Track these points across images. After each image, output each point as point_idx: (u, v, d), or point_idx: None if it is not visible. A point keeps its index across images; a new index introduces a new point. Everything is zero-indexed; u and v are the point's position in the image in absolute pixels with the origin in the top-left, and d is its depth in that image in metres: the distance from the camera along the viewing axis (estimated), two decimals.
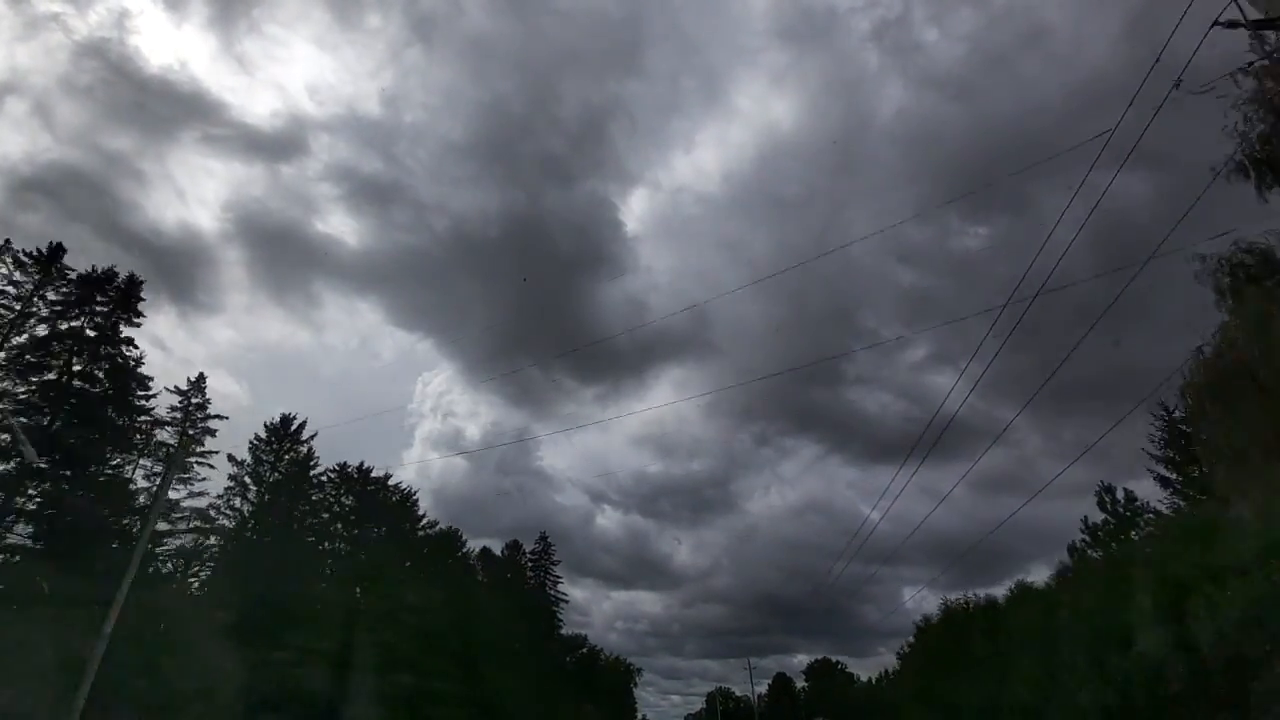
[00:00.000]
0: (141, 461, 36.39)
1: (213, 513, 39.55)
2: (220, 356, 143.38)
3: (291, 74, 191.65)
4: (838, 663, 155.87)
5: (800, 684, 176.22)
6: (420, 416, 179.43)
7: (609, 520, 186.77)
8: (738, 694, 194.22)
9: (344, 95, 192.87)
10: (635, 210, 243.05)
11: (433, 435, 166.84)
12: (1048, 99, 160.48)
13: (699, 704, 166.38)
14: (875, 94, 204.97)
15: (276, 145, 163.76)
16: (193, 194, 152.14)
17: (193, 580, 39.01)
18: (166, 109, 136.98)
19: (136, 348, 33.91)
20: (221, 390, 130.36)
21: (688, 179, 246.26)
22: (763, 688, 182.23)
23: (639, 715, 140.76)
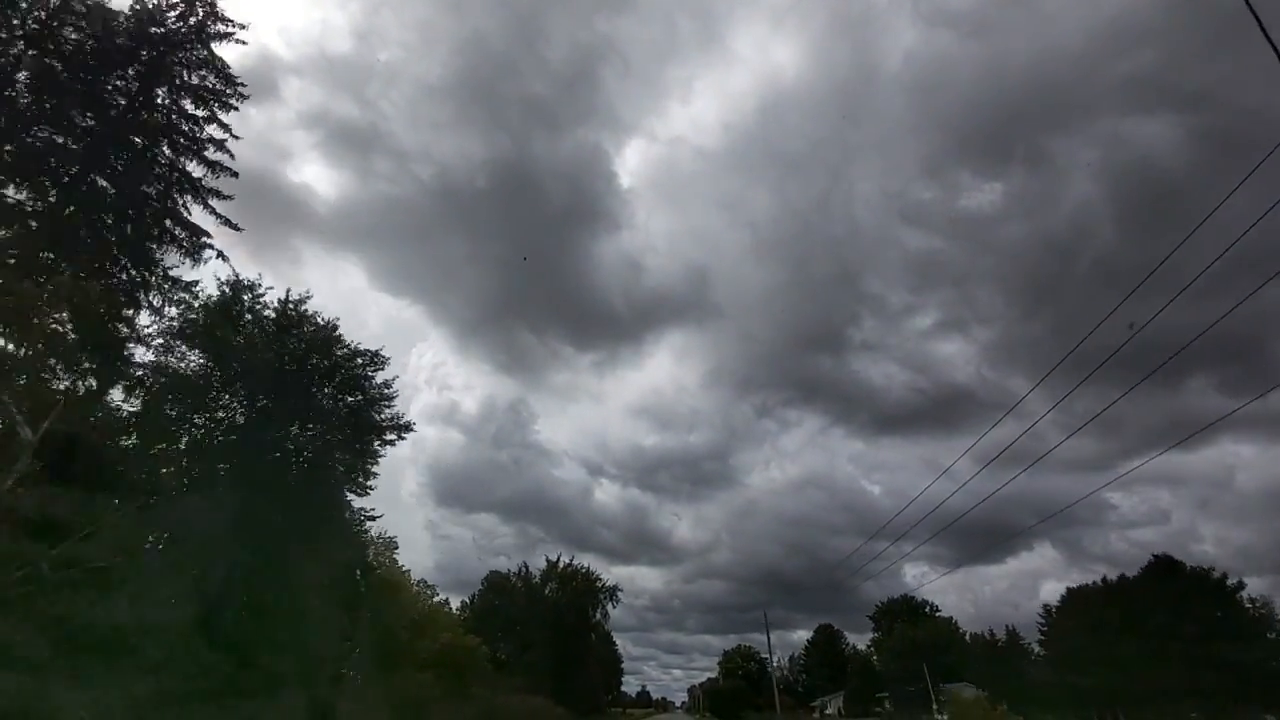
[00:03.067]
0: None
1: None
2: None
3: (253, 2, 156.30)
4: (925, 604, 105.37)
5: (852, 640, 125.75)
6: (415, 389, 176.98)
7: (607, 494, 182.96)
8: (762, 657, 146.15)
9: (312, 35, 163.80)
10: (630, 162, 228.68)
11: (428, 409, 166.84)
12: (1068, 38, 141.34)
13: (701, 677, 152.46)
14: (882, 35, 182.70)
15: (250, 90, 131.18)
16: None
17: None
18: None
19: None
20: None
21: (685, 130, 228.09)
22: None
23: (625, 683, 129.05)
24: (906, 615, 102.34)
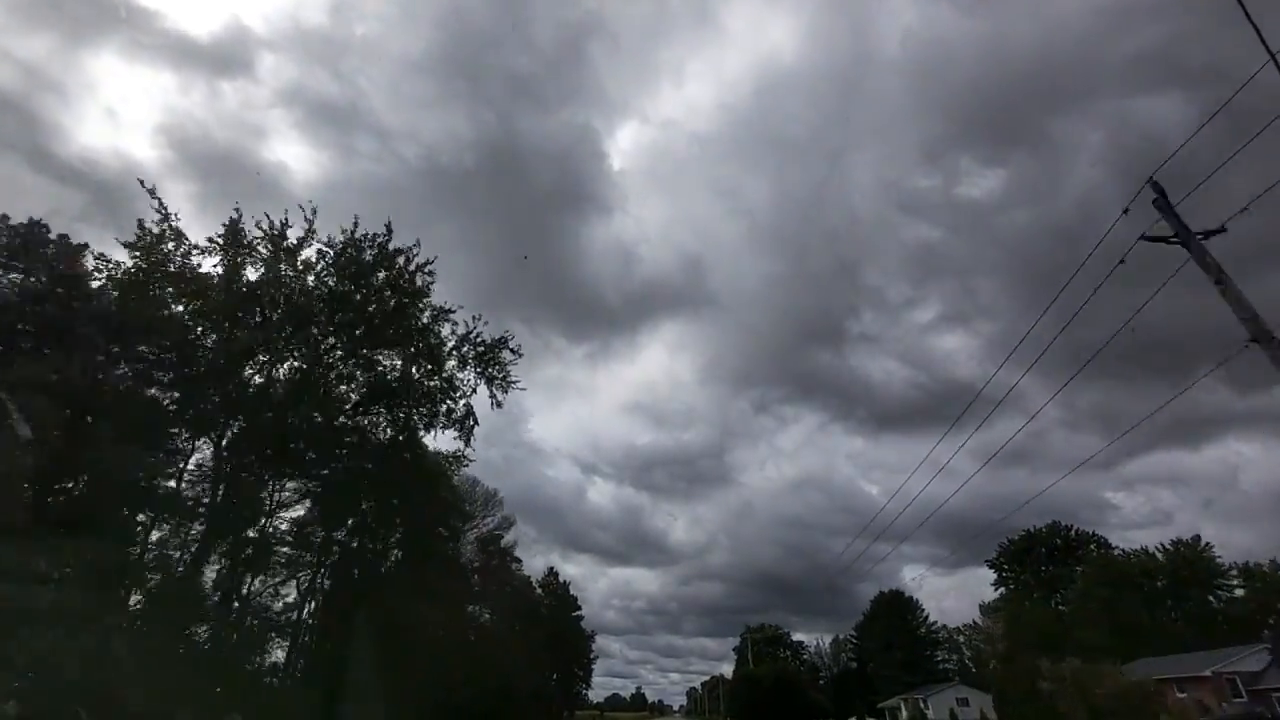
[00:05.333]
0: None
1: None
2: None
3: None
4: (1092, 537, 64.78)
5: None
6: None
7: (601, 494, 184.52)
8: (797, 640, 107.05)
9: (286, 8, 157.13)
10: (621, 144, 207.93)
11: None
12: (1072, 15, 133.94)
13: (697, 680, 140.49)
14: (880, 12, 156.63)
15: (216, 58, 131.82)
16: (125, 115, 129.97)
17: None
18: (83, 11, 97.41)
19: None
20: None
21: (678, 112, 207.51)
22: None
23: (620, 685, 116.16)
24: (1060, 555, 62.39)
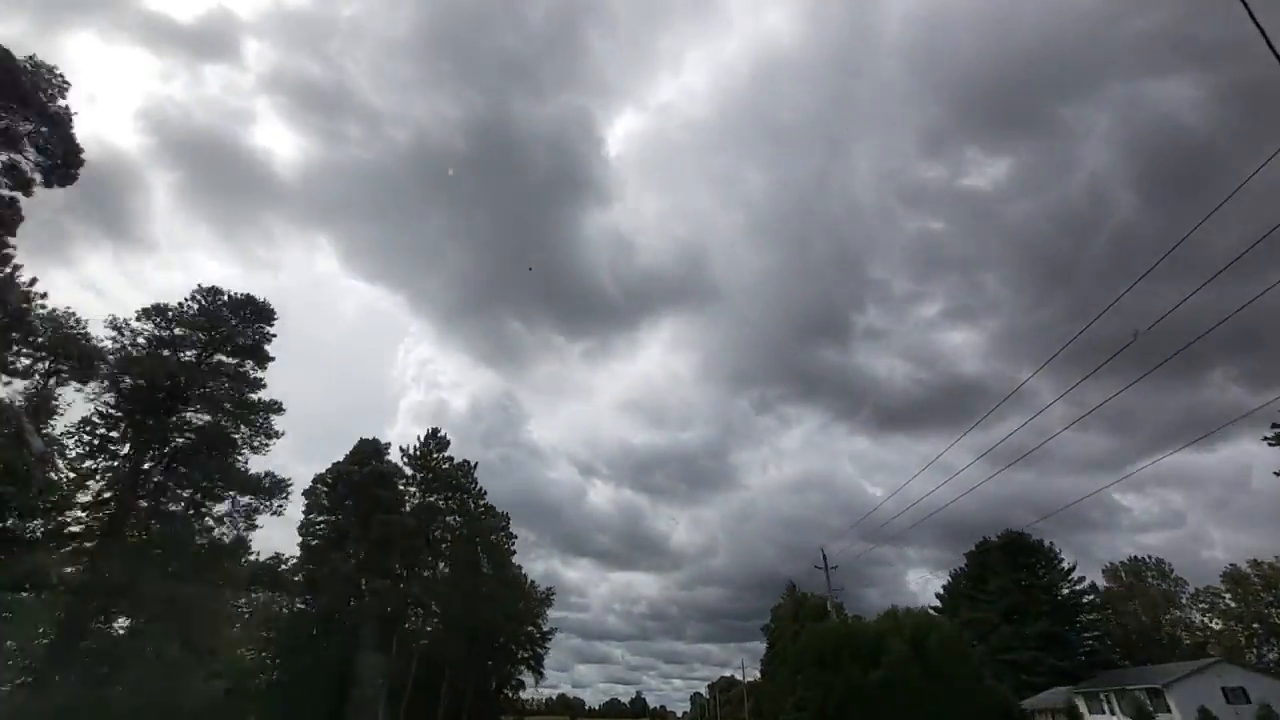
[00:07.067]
0: None
1: None
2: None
3: None
4: None
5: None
6: (403, 387, 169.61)
7: (600, 496, 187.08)
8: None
9: None
10: (618, 130, 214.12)
11: (414, 407, 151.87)
12: None
13: (701, 686, 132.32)
14: None
15: (199, 41, 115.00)
16: (104, 100, 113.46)
17: None
18: None
19: None
20: None
21: (675, 98, 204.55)
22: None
23: (621, 690, 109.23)
24: None
